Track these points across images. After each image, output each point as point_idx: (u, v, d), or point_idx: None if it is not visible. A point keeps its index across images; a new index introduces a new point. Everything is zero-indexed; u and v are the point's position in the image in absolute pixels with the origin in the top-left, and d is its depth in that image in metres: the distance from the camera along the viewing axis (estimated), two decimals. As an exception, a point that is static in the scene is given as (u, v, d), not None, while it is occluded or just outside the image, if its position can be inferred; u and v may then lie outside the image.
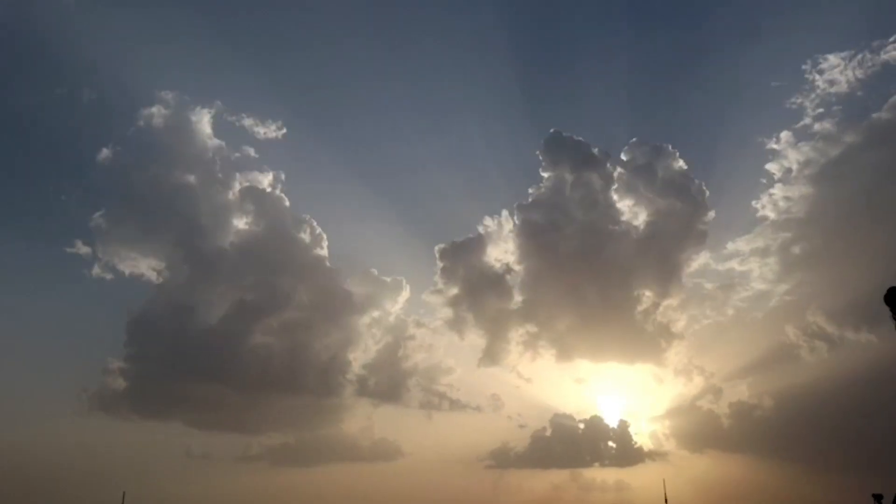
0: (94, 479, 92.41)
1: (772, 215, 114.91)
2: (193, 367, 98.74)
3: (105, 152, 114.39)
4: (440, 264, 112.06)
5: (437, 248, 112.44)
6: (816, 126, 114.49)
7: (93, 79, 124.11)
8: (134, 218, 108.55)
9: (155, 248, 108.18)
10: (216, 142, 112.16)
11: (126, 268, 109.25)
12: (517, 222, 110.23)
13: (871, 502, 47.14)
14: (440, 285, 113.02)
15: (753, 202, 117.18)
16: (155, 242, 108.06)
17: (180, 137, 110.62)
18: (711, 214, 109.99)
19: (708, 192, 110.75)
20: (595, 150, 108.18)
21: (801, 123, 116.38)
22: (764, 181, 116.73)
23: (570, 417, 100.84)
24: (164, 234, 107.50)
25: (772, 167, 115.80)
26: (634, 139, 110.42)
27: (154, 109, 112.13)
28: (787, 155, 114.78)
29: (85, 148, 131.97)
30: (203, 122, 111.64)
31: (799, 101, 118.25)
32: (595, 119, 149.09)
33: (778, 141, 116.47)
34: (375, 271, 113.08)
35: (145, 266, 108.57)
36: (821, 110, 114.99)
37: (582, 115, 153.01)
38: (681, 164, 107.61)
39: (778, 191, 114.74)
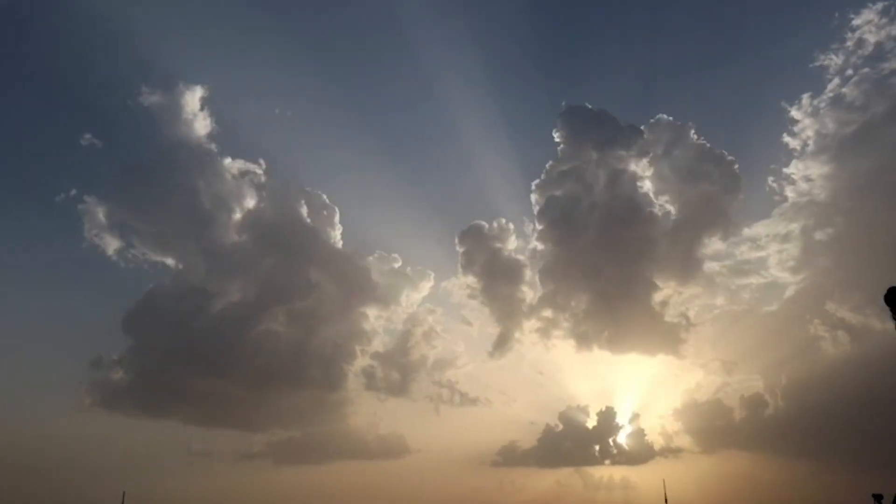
0: (94, 476, 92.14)
1: (791, 196, 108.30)
2: (196, 361, 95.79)
3: (98, 136, 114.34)
4: (460, 249, 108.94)
5: (458, 233, 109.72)
6: (841, 91, 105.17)
7: (80, 60, 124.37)
8: (129, 206, 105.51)
9: (153, 238, 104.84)
10: (216, 124, 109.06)
11: (122, 259, 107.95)
12: (535, 206, 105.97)
13: (871, 502, 43.39)
14: (460, 275, 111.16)
15: (770, 180, 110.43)
16: (153, 231, 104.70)
17: (177, 119, 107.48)
18: (741, 198, 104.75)
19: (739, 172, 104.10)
20: (619, 123, 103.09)
21: (827, 89, 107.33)
22: (783, 157, 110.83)
23: (583, 412, 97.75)
24: (164, 222, 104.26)
25: (792, 141, 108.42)
26: (661, 115, 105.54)
27: (146, 90, 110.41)
28: (808, 126, 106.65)
29: (71, 131, 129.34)
30: (195, 100, 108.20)
31: (825, 62, 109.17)
32: (608, 90, 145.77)
33: (800, 107, 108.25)
34: (397, 260, 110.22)
35: (142, 255, 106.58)
36: (849, 72, 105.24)
37: (597, 89, 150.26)
38: (704, 141, 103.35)
39: (797, 169, 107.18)
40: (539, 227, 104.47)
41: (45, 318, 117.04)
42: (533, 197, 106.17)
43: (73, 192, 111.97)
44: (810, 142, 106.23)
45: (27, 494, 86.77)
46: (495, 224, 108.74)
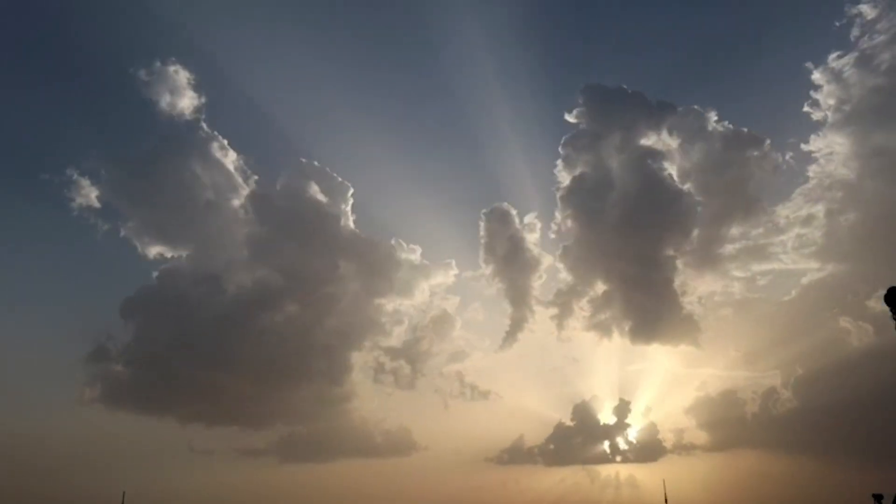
0: (93, 474, 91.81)
1: (813, 175, 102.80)
2: (197, 354, 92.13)
3: (91, 116, 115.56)
4: (481, 234, 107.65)
5: (475, 219, 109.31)
6: (869, 51, 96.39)
7: (74, 35, 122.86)
8: (124, 191, 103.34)
9: (149, 223, 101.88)
10: (218, 104, 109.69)
11: (117, 247, 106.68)
12: (558, 193, 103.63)
13: (871, 502, 46.30)
14: (479, 264, 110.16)
15: (789, 157, 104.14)
16: (149, 217, 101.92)
17: (174, 97, 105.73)
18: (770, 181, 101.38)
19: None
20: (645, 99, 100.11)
21: (855, 47, 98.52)
22: (804, 130, 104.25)
23: (596, 407, 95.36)
24: (161, 206, 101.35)
25: (814, 112, 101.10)
26: (685, 108, 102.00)
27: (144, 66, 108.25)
28: (832, 93, 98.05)
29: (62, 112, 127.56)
30: (197, 78, 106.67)
31: (855, 15, 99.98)
32: (636, 71, 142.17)
33: (825, 67, 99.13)
34: (414, 251, 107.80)
35: (137, 243, 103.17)
36: (880, 26, 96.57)
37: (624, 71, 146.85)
38: (730, 125, 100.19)
39: (818, 146, 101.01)
40: (560, 214, 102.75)
41: (38, 310, 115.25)
42: (555, 177, 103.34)
43: (65, 173, 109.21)
44: (833, 112, 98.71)
45: (26, 490, 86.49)
46: (514, 210, 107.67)
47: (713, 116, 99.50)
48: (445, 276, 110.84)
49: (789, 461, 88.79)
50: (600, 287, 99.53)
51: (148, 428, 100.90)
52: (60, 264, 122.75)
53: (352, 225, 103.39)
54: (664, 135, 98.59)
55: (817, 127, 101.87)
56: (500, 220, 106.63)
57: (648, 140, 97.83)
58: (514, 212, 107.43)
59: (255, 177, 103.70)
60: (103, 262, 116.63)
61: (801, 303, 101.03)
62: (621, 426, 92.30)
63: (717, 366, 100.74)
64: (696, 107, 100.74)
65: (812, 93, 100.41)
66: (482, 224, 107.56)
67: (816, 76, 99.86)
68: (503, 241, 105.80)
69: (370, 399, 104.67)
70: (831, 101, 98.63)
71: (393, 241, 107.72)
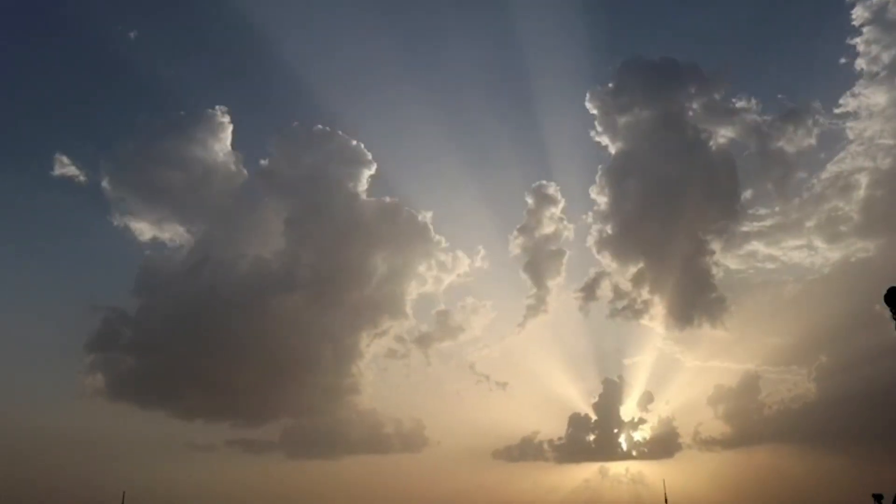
0: (91, 471, 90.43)
1: (850, 142, 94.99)
2: (199, 346, 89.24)
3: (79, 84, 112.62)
4: (524, 211, 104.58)
5: (532, 186, 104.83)
6: None
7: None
8: (118, 166, 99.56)
9: (149, 207, 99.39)
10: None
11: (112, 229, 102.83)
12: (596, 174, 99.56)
13: (871, 502, 48.27)
14: (509, 252, 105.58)
15: (822, 120, 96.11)
16: (149, 200, 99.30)
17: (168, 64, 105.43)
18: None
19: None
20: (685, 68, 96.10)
21: None
22: (843, 83, 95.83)
23: (616, 400, 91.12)
24: (160, 188, 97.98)
25: (856, 62, 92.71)
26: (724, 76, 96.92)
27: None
28: (876, 39, 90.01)
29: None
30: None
31: None
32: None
33: (868, 5, 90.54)
34: (442, 238, 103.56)
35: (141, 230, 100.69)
36: None
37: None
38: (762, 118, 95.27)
39: (855, 105, 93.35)
40: (595, 194, 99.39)
41: (29, 301, 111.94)
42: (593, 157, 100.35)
43: (52, 155, 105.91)
44: (872, 63, 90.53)
45: (24, 484, 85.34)
46: (556, 190, 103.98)
47: (752, 86, 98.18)
48: (470, 262, 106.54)
49: (815, 456, 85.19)
50: (631, 270, 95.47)
51: (148, 422, 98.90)
52: (53, 252, 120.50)
53: (369, 202, 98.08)
54: (701, 107, 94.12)
55: (855, 82, 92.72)
56: (541, 200, 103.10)
57: (685, 112, 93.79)
58: (557, 192, 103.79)
59: (267, 150, 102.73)
60: (97, 247, 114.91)
61: (834, 284, 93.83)
62: (641, 420, 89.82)
63: (740, 356, 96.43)
64: (737, 91, 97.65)
65: (849, 39, 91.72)
66: (528, 200, 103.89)
67: (857, 13, 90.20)
68: (536, 222, 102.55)
69: (381, 391, 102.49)
70: (874, 50, 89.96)
71: (418, 221, 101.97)
